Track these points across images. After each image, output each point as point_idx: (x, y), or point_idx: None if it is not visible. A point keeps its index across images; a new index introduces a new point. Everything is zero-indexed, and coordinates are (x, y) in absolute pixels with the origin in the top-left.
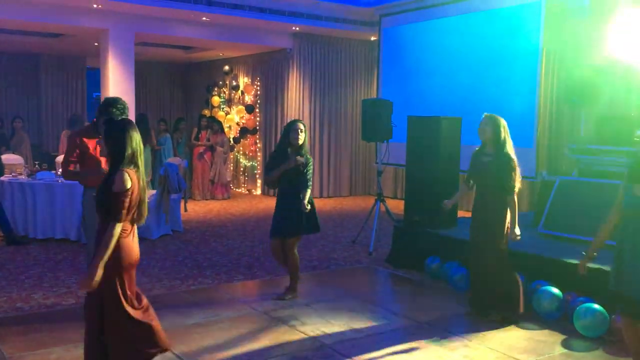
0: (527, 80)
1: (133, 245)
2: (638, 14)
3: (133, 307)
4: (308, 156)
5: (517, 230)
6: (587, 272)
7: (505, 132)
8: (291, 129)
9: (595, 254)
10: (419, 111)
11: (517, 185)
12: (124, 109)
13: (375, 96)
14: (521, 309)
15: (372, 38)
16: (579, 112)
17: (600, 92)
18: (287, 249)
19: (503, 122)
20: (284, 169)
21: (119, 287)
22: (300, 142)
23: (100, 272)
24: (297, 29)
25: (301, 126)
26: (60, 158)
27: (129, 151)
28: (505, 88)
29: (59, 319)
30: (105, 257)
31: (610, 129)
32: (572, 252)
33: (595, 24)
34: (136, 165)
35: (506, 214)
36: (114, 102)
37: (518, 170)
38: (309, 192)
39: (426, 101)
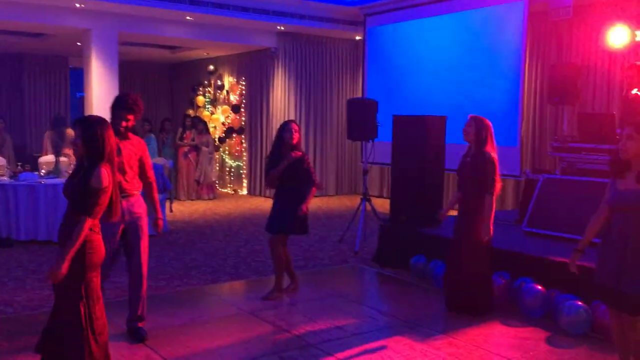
0: (510, 79)
1: (100, 243)
2: (619, 14)
3: (91, 311)
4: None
5: (488, 231)
6: (577, 270)
7: (487, 132)
8: (285, 129)
9: (583, 250)
10: (404, 110)
11: (496, 185)
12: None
13: (360, 95)
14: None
15: (357, 37)
16: (561, 111)
17: (582, 90)
18: (274, 245)
19: (487, 123)
20: (282, 168)
21: (82, 285)
22: (295, 141)
23: (66, 265)
24: (282, 28)
25: (295, 126)
26: (43, 158)
27: (108, 149)
28: (489, 87)
29: (43, 321)
30: (73, 251)
31: (592, 127)
32: (555, 250)
33: (577, 23)
34: (112, 163)
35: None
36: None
37: (497, 170)
38: (311, 193)
39: (411, 100)
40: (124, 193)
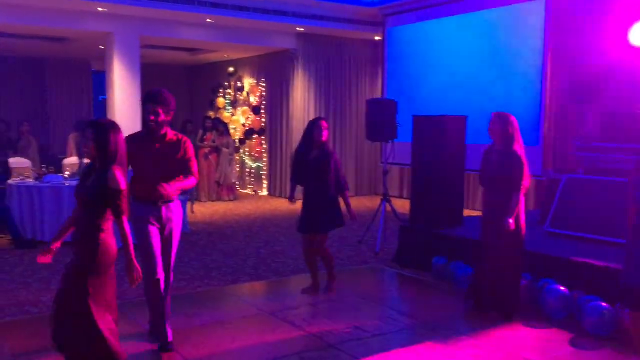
0: (532, 78)
1: (111, 243)
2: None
3: (101, 316)
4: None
5: (512, 222)
6: None
7: (513, 129)
8: (315, 126)
9: None
10: (424, 110)
11: (526, 182)
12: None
13: (380, 96)
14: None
15: (377, 38)
16: (585, 110)
17: (606, 89)
18: (317, 246)
19: (512, 119)
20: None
21: (91, 287)
22: (324, 138)
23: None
24: (302, 29)
25: (324, 123)
26: (67, 161)
27: (119, 152)
28: (511, 86)
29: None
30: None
31: (616, 126)
32: (578, 251)
33: (600, 19)
34: (123, 166)
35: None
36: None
37: (526, 168)
38: (348, 198)
39: (432, 100)
40: (165, 199)
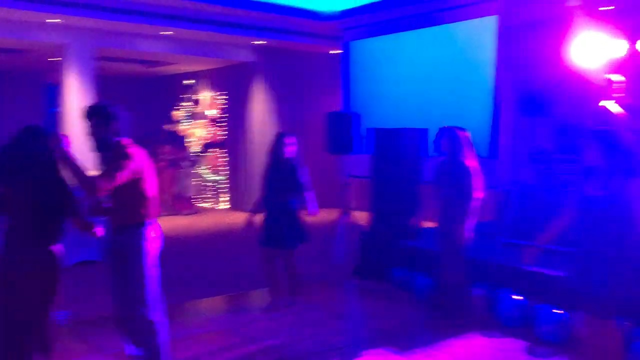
0: (486, 91)
1: None
2: (594, 27)
3: None
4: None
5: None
6: None
7: (461, 141)
8: (278, 141)
9: None
10: (384, 123)
11: (478, 193)
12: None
13: (339, 109)
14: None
15: (336, 51)
16: (537, 123)
17: (557, 102)
18: (285, 261)
19: (458, 133)
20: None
21: None
22: (288, 155)
23: None
24: (261, 42)
25: (289, 139)
26: None
27: None
28: (465, 99)
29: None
30: None
31: (567, 139)
32: (533, 260)
33: (548, 37)
34: None
35: (465, 221)
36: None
37: (479, 179)
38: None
39: (392, 113)
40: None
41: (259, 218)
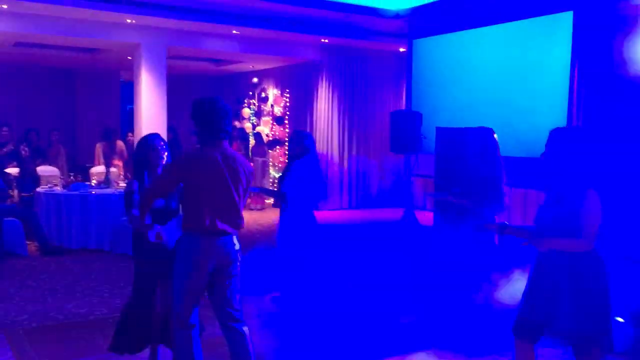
0: (560, 91)
1: None
2: None
3: None
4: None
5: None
6: None
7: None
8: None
9: None
10: (449, 123)
11: None
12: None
13: (404, 108)
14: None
15: (402, 49)
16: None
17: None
18: None
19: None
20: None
21: None
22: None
23: None
24: (326, 40)
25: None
26: (94, 169)
27: None
28: (536, 99)
29: (92, 328)
30: None
31: None
32: None
33: (632, 33)
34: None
35: None
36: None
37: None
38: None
39: (457, 113)
40: None
41: None
